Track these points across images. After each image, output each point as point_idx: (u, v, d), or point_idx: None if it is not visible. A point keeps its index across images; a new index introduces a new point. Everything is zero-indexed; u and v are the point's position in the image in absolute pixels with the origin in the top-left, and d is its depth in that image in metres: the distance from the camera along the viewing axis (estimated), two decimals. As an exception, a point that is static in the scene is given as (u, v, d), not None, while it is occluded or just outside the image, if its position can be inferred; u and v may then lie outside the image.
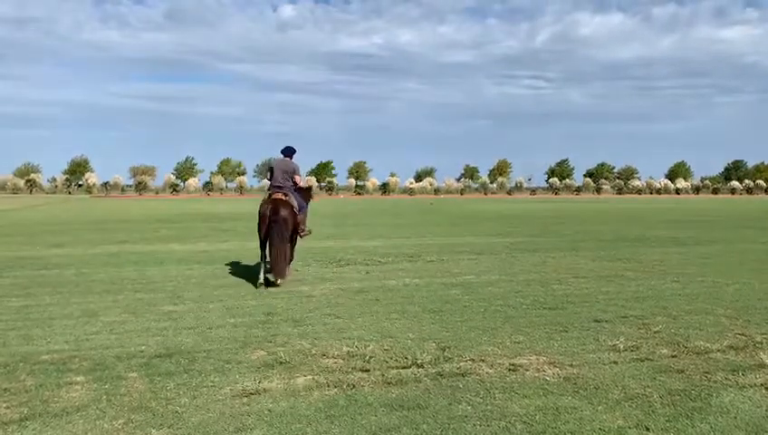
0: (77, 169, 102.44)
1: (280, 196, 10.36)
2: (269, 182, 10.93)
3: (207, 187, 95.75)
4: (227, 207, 43.15)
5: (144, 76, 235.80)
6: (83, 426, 4.32)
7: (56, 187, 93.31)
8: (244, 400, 4.81)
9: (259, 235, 10.38)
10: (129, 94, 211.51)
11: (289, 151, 10.92)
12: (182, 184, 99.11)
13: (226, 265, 12.23)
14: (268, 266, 10.10)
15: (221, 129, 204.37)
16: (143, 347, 6.22)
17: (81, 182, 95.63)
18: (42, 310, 7.93)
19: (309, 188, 12.31)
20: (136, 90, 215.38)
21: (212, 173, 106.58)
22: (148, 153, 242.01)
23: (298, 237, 10.91)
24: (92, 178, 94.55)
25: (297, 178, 10.82)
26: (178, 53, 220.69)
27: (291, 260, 10.71)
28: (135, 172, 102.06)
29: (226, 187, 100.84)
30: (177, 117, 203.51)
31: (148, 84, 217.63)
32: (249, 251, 14.71)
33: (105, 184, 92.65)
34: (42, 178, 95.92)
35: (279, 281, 9.83)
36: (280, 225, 10.03)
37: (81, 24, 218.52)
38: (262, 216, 10.23)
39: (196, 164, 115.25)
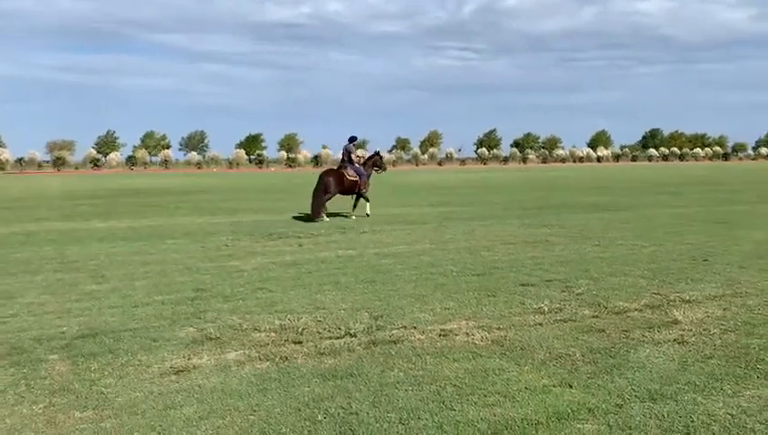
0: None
1: (333, 168, 16.99)
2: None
3: (130, 161, 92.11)
4: (152, 182, 41.72)
5: (61, 46, 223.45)
6: (0, 412, 4.12)
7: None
8: (173, 377, 4.71)
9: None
10: (44, 66, 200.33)
11: (350, 139, 16.80)
12: (103, 159, 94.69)
13: (152, 241, 11.86)
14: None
15: (144, 101, 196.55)
16: (64, 328, 5.97)
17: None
18: (-49, 294, 7.47)
19: (370, 158, 17.61)
20: (52, 61, 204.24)
21: (135, 147, 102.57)
22: (66, 127, 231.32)
23: (365, 191, 16.61)
24: (4, 154, 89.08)
25: (353, 157, 16.84)
26: (98, 23, 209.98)
27: (367, 200, 16.61)
28: (52, 147, 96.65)
29: (150, 161, 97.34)
30: (98, 89, 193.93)
31: (65, 55, 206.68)
32: (176, 227, 14.32)
33: (20, 160, 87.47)
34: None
35: (316, 219, 15.26)
36: (320, 185, 15.76)
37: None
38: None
39: (117, 138, 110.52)
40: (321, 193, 15.76)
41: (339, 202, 17.24)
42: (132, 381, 4.65)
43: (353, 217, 15.95)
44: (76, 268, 9.09)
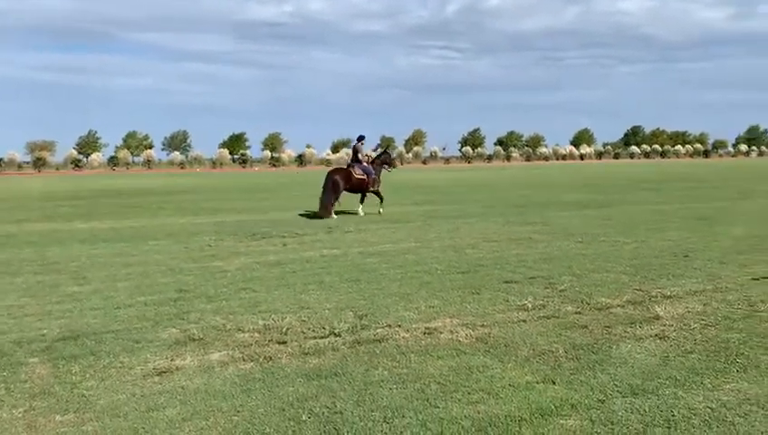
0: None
1: (341, 167, 18.02)
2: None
3: (113, 162, 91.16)
4: (135, 183, 41.34)
5: (41, 45, 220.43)
6: (-21, 417, 4.06)
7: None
8: (156, 379, 4.68)
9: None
10: (24, 65, 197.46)
11: (359, 138, 17.57)
12: (85, 159, 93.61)
13: (135, 242, 11.75)
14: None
15: (126, 101, 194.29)
16: (45, 331, 5.90)
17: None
18: (-72, 297, 7.34)
19: (379, 156, 18.00)
20: (32, 60, 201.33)
21: (117, 147, 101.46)
22: (46, 128, 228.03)
23: (374, 189, 16.94)
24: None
25: (361, 157, 17.15)
26: (80, 22, 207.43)
27: (381, 199, 16.97)
28: (32, 148, 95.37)
29: (133, 161, 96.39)
30: (79, 89, 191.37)
31: (46, 54, 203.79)
32: (158, 227, 14.21)
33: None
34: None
35: (324, 216, 15.62)
36: (328, 184, 16.21)
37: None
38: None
39: (99, 138, 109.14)
40: (329, 191, 16.23)
41: (347, 201, 17.39)
42: (114, 383, 4.61)
43: (362, 214, 16.28)
44: (57, 270, 8.99)
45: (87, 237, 12.55)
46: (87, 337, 5.69)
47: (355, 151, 17.48)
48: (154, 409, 4.14)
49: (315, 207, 16.56)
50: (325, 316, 6.25)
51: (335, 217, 15.80)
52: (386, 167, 17.94)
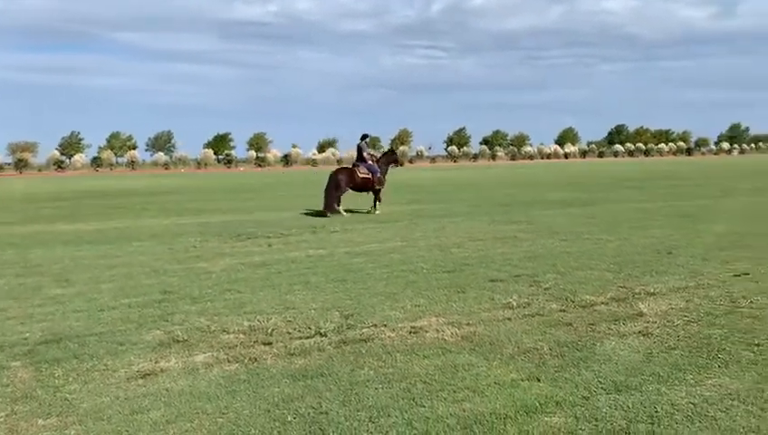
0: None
1: (346, 166, 18.16)
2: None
3: (96, 163, 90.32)
4: (119, 184, 41.01)
5: (24, 46, 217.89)
6: (-40, 422, 4.01)
7: None
8: (140, 381, 4.64)
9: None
10: (5, 66, 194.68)
11: (362, 137, 17.68)
12: (68, 160, 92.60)
13: (119, 244, 11.65)
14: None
15: (110, 101, 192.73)
16: (27, 334, 5.83)
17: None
18: None
19: (385, 155, 18.46)
20: (13, 61, 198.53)
21: (100, 148, 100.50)
22: (28, 129, 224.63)
23: (379, 187, 17.07)
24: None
25: (365, 155, 17.34)
26: (61, 21, 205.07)
27: (379, 200, 17.12)
28: (14, 149, 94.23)
29: (117, 162, 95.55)
30: (60, 89, 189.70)
31: (28, 55, 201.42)
32: (142, 228, 14.11)
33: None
34: None
35: (328, 213, 16.08)
36: (331, 182, 16.66)
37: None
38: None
39: (82, 139, 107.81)
40: (332, 190, 16.68)
41: (356, 199, 17.81)
42: (98, 386, 4.57)
43: (377, 213, 16.57)
44: (39, 272, 8.89)
45: (70, 239, 12.42)
46: (70, 340, 5.63)
47: (359, 150, 17.62)
48: (138, 411, 4.11)
49: (302, 207, 16.63)
50: (311, 317, 6.23)
51: (344, 214, 16.20)
52: (393, 165, 18.21)
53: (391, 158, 18.41)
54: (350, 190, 17.07)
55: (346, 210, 16.65)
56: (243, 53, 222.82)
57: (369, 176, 17.00)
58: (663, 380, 4.44)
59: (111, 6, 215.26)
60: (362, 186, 17.09)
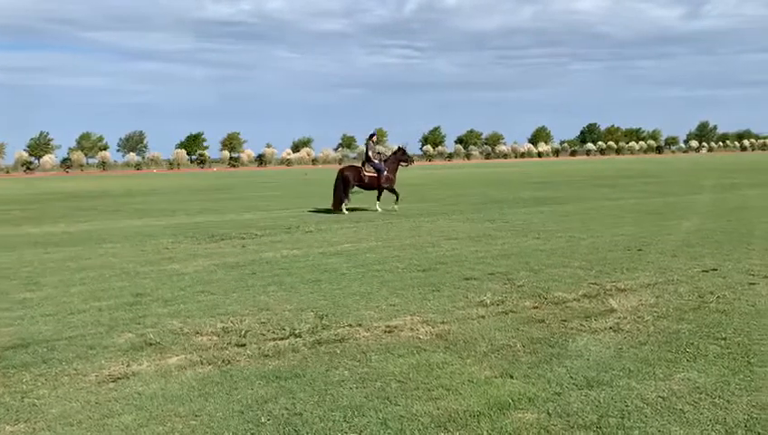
0: None
1: (353, 165, 18.46)
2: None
3: (66, 164, 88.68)
4: (89, 185, 40.33)
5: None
6: (-77, 430, 3.91)
7: None
8: (111, 385, 4.57)
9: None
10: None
11: (369, 136, 17.90)
12: (36, 161, 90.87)
13: (89, 246, 11.46)
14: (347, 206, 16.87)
15: (80, 101, 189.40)
16: (-6, 339, 5.71)
17: None
18: None
19: (394, 153, 18.37)
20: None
21: (70, 149, 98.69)
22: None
23: (386, 186, 17.37)
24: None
25: (371, 154, 17.54)
26: (31, 20, 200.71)
27: (395, 195, 17.40)
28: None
29: (87, 163, 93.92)
30: (29, 89, 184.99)
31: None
32: (114, 230, 13.91)
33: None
34: None
35: (336, 210, 16.60)
36: (339, 181, 17.01)
37: None
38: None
39: (51, 139, 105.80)
40: (339, 188, 17.06)
41: (364, 197, 18.17)
42: (67, 391, 4.49)
43: (379, 211, 16.76)
44: (7, 276, 8.71)
45: (39, 242, 12.19)
46: (38, 345, 5.53)
47: (367, 149, 17.93)
48: (108, 416, 4.05)
49: (277, 207, 16.48)
50: (285, 317, 6.21)
51: (345, 212, 16.57)
52: (403, 163, 18.30)
53: (401, 156, 18.40)
54: (359, 189, 17.61)
55: (349, 209, 16.93)
56: (215, 52, 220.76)
57: (376, 174, 17.31)
58: (633, 374, 4.51)
59: (83, 5, 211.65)
60: (370, 184, 17.44)
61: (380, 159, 17.86)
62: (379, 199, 17.53)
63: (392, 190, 17.51)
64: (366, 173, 17.33)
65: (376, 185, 17.45)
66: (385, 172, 17.40)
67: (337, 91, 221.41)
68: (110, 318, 6.35)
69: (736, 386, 4.25)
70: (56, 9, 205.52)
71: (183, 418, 3.99)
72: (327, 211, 16.94)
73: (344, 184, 17.07)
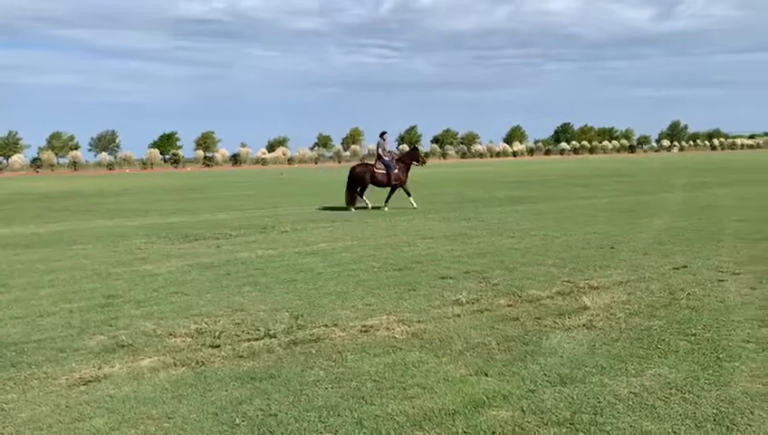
0: None
1: (366, 163, 19.22)
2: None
3: (36, 163, 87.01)
4: (60, 185, 39.62)
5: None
6: None
7: None
8: (82, 388, 4.50)
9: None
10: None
11: (381, 134, 18.26)
12: (5, 161, 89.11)
13: (60, 247, 11.26)
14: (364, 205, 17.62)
15: (50, 100, 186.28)
16: (-40, 343, 5.57)
17: None
18: None
19: (405, 153, 19.33)
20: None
21: (40, 149, 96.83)
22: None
23: (396, 184, 17.61)
24: None
25: (381, 152, 17.97)
26: (3, 18, 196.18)
27: (409, 195, 17.47)
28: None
29: (58, 163, 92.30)
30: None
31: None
32: (85, 231, 13.68)
33: None
34: None
35: (351, 208, 17.13)
36: (350, 178, 17.59)
37: None
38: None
39: (20, 139, 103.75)
40: (351, 185, 17.60)
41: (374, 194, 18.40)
42: (37, 394, 4.40)
43: (386, 209, 17.07)
44: (-26, 278, 8.51)
45: (7, 243, 11.93)
46: (6, 348, 5.41)
47: (378, 146, 18.27)
48: (79, 419, 3.98)
49: (252, 206, 16.36)
50: (260, 318, 6.16)
51: (354, 209, 17.06)
52: (415, 162, 18.50)
53: (413, 155, 18.70)
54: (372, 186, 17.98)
55: (356, 208, 17.30)
56: (189, 50, 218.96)
57: (386, 172, 17.66)
58: (606, 371, 4.57)
59: (55, 2, 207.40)
60: (380, 183, 17.76)
61: (392, 158, 18.18)
62: (387, 200, 17.54)
63: (404, 189, 17.65)
64: (377, 170, 17.70)
65: (386, 183, 17.68)
66: (395, 171, 17.64)
67: (314, 90, 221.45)
68: (81, 320, 6.24)
69: (705, 381, 4.33)
70: (30, 6, 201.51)
71: (156, 420, 3.94)
72: (298, 211, 16.85)
73: (355, 182, 17.51)
